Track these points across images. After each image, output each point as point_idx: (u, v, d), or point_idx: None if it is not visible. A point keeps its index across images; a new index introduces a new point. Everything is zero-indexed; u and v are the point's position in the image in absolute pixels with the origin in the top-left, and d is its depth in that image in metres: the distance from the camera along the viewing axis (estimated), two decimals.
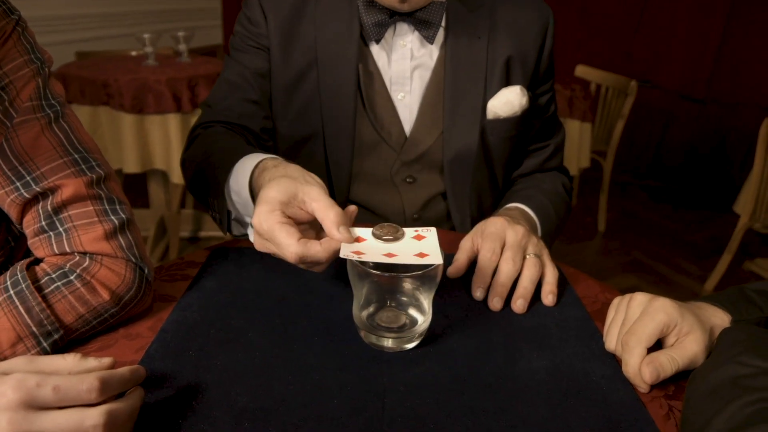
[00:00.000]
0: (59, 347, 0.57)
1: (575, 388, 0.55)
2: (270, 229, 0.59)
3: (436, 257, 0.57)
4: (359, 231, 0.61)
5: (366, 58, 0.92)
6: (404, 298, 0.60)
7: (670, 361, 0.55)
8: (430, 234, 0.62)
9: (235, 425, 0.48)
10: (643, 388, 0.56)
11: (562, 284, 0.75)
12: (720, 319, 0.62)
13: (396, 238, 0.60)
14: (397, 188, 0.98)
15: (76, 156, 0.62)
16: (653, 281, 2.64)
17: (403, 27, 0.91)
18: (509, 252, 0.71)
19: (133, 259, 0.63)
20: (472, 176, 0.97)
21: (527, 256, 0.71)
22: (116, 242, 0.62)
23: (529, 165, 1.06)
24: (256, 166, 0.72)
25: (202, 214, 2.72)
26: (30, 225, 0.62)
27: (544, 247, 0.75)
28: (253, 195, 0.71)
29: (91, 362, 0.47)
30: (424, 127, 0.94)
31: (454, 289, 0.72)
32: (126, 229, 0.64)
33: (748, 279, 2.67)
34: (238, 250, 0.80)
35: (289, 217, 0.60)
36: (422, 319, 0.59)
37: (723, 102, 3.61)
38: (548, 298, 0.70)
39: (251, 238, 0.78)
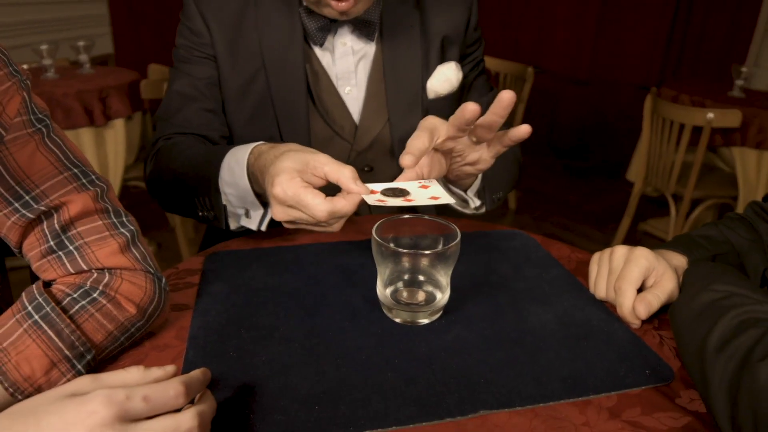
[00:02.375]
0: (92, 368, 0.56)
1: (583, 332, 0.64)
2: (295, 194, 0.64)
3: (446, 198, 0.66)
4: (371, 186, 0.67)
5: (311, 59, 0.96)
6: (425, 276, 0.65)
7: (655, 298, 0.65)
8: (433, 184, 0.69)
9: (306, 410, 0.51)
10: (636, 324, 0.65)
11: (538, 249, 0.84)
12: (679, 260, 0.73)
13: (405, 193, 0.67)
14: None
15: (75, 170, 0.61)
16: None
17: (343, 29, 0.96)
18: None
19: (151, 270, 0.62)
20: None
21: None
22: (132, 255, 0.61)
23: None
24: (251, 153, 0.76)
25: None
26: (34, 247, 0.59)
27: None
28: (252, 182, 0.76)
29: (156, 372, 0.48)
30: (371, 115, 1.00)
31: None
32: (137, 240, 0.63)
33: (643, 239, 3.00)
34: (231, 253, 0.81)
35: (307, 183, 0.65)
36: (443, 293, 0.64)
37: (604, 82, 3.99)
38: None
39: (253, 226, 0.82)
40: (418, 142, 0.68)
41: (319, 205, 0.63)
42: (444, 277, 0.64)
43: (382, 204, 0.64)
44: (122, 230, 0.61)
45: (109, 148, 2.10)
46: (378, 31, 0.98)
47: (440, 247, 0.65)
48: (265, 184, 0.70)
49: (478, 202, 0.92)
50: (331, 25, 0.94)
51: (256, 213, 0.82)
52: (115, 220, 0.62)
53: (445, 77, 1.01)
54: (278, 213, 0.67)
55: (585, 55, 3.95)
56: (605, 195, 3.60)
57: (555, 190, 3.66)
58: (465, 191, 0.91)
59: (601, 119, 4.06)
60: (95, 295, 0.57)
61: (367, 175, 1.03)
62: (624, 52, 3.89)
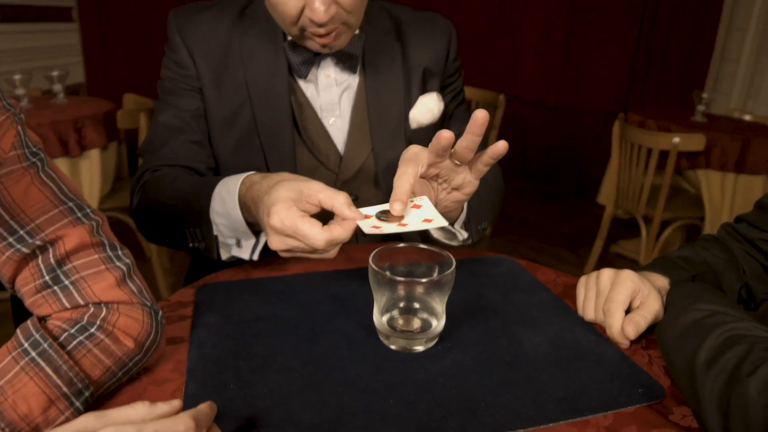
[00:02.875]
0: (89, 405, 0.55)
1: (574, 354, 0.65)
2: (293, 224, 0.65)
3: (439, 219, 0.68)
4: (364, 210, 0.68)
5: (295, 91, 0.99)
6: (420, 303, 0.66)
7: (642, 318, 0.67)
8: (425, 202, 0.70)
9: None
10: (625, 344, 0.67)
11: (524, 273, 0.86)
12: (661, 282, 0.77)
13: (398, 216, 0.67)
14: None
15: (70, 204, 0.61)
16: None
17: (326, 61, 0.98)
18: None
19: (148, 303, 0.62)
20: None
21: None
22: (128, 288, 0.61)
23: None
24: (242, 183, 0.77)
25: None
26: (28, 282, 0.58)
27: None
28: (243, 211, 0.77)
29: (162, 407, 0.47)
30: (355, 145, 1.02)
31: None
32: (133, 273, 0.63)
33: (615, 260, 3.07)
34: (221, 285, 0.81)
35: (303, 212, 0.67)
36: (439, 320, 0.66)
37: (571, 108, 4.13)
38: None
39: (245, 255, 0.83)
40: (403, 182, 0.69)
41: (318, 235, 0.64)
42: (439, 305, 0.65)
43: (377, 231, 0.65)
44: (118, 264, 0.61)
45: (84, 178, 2.07)
46: (361, 63, 1.01)
47: (435, 274, 0.67)
48: (260, 214, 0.70)
49: (465, 234, 0.94)
50: (314, 58, 0.96)
51: (248, 242, 0.83)
52: (110, 253, 0.62)
53: (426, 108, 1.04)
54: (275, 242, 0.68)
55: (553, 82, 4.09)
56: (577, 217, 3.69)
57: (528, 213, 3.73)
58: (452, 225, 0.93)
59: (570, 144, 4.19)
60: (93, 330, 0.57)
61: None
62: (590, 79, 4.04)
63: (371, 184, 1.05)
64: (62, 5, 3.40)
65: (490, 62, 4.12)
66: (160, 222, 0.89)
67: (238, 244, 0.83)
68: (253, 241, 0.82)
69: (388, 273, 0.64)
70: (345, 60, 0.97)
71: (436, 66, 1.06)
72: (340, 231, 0.65)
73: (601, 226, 2.77)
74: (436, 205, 0.83)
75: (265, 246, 0.86)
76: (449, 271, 0.62)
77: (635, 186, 2.50)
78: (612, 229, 2.80)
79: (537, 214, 3.74)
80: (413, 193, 0.76)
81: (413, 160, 0.72)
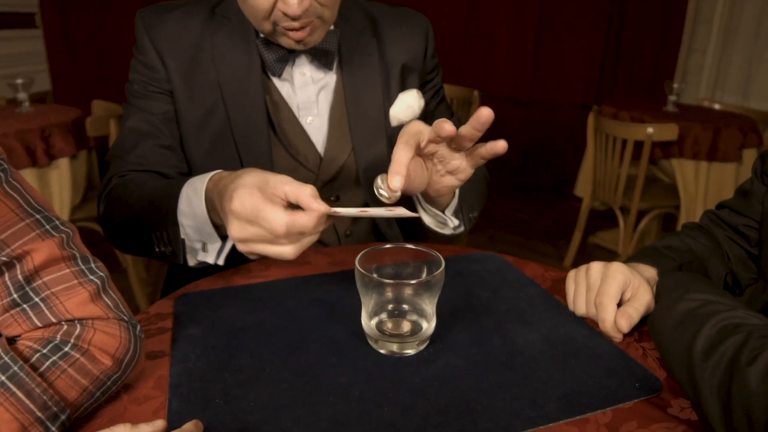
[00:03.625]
0: (66, 429, 0.52)
1: (569, 350, 0.64)
2: (254, 207, 0.62)
3: (404, 212, 0.66)
4: (339, 210, 0.65)
5: (270, 90, 0.96)
6: (410, 305, 0.64)
7: (635, 311, 0.66)
8: (399, 210, 0.68)
9: None
10: (618, 338, 0.67)
11: (512, 270, 0.85)
12: (650, 272, 0.76)
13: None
14: None
15: (38, 216, 0.57)
16: None
17: (301, 59, 0.96)
18: None
19: (125, 318, 0.59)
20: None
21: None
22: (103, 303, 0.58)
23: None
24: (209, 180, 0.74)
25: None
26: None
27: None
28: (209, 211, 0.74)
29: (145, 429, 0.45)
30: (335, 144, 0.99)
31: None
32: (108, 287, 0.60)
33: (594, 251, 3.10)
34: (202, 294, 0.78)
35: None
36: (429, 322, 0.64)
37: (544, 102, 4.16)
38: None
39: (210, 259, 0.80)
40: (402, 154, 0.68)
41: (278, 218, 0.61)
42: (429, 306, 0.63)
43: (336, 214, 0.63)
44: (92, 277, 0.58)
45: (54, 189, 2.00)
46: (337, 61, 0.98)
47: (424, 275, 0.65)
48: (223, 203, 0.67)
49: (456, 222, 0.93)
50: (288, 56, 0.94)
51: (214, 246, 0.80)
52: (83, 266, 0.58)
53: (407, 104, 1.02)
54: (234, 229, 0.64)
55: (525, 77, 4.11)
56: (554, 210, 3.72)
57: (506, 209, 3.75)
58: (443, 212, 0.92)
59: (545, 138, 4.22)
60: (67, 348, 0.53)
61: (334, 204, 1.02)
62: (562, 73, 4.08)
63: (352, 183, 1.03)
64: (25, 11, 3.30)
65: (463, 59, 4.13)
66: (127, 227, 0.86)
67: (204, 248, 0.80)
68: (218, 244, 0.79)
69: (375, 275, 0.62)
70: (320, 57, 0.95)
71: (414, 62, 1.05)
72: (304, 219, 0.61)
73: (579, 218, 2.79)
74: (428, 186, 0.81)
75: (238, 254, 0.83)
76: (438, 271, 0.60)
77: (611, 177, 2.53)
78: (590, 221, 2.82)
79: (515, 209, 3.76)
80: (408, 174, 0.73)
81: (415, 135, 0.70)
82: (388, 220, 1.07)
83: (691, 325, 0.58)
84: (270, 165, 0.95)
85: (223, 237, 0.79)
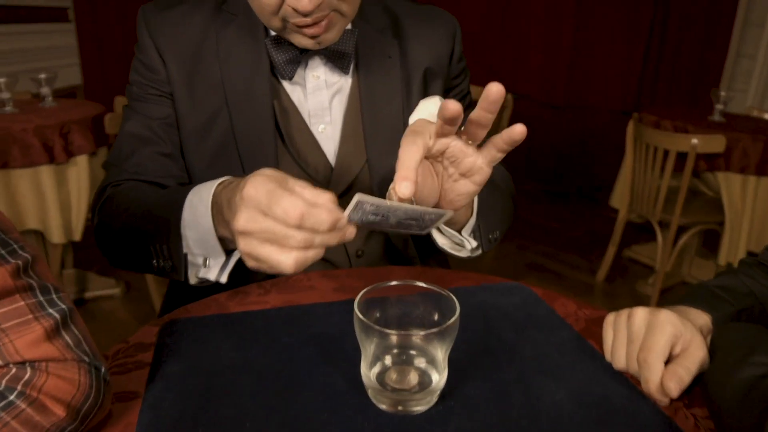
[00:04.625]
0: None
1: (604, 413, 0.54)
2: (269, 191, 0.54)
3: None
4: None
5: (279, 94, 0.87)
6: (417, 351, 0.55)
7: (687, 372, 0.56)
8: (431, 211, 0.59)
9: None
10: (664, 402, 0.56)
11: (541, 306, 0.75)
12: (703, 319, 0.65)
13: None
14: None
15: None
16: (551, 279, 2.81)
17: (315, 60, 0.87)
18: None
19: (86, 359, 0.51)
20: None
21: None
22: (61, 341, 0.50)
23: None
24: (218, 184, 0.67)
25: (85, 272, 2.43)
26: None
27: None
28: (215, 222, 0.67)
29: None
30: (348, 155, 0.91)
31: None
32: (70, 321, 0.52)
33: (629, 265, 2.95)
34: (190, 322, 0.70)
35: None
36: (440, 374, 0.55)
37: (580, 107, 3.99)
38: None
39: (211, 276, 0.72)
40: (410, 156, 0.58)
41: (295, 203, 0.53)
42: (441, 353, 0.54)
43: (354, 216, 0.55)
44: (50, 311, 0.51)
45: (72, 186, 1.97)
46: (354, 63, 0.90)
47: (435, 317, 0.56)
48: (234, 195, 0.60)
49: (474, 243, 0.83)
50: (301, 57, 0.85)
51: (216, 261, 0.72)
52: (41, 298, 0.51)
53: (428, 112, 0.92)
54: (242, 218, 0.55)
55: (560, 80, 3.96)
56: (587, 220, 3.56)
57: (536, 216, 3.61)
58: (459, 232, 0.82)
59: (579, 144, 4.06)
60: (12, 397, 0.46)
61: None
62: (599, 77, 3.91)
63: None
64: (58, 5, 3.31)
65: (496, 60, 4.00)
66: (122, 239, 0.79)
67: (206, 263, 0.72)
68: (222, 259, 0.72)
69: (378, 315, 0.53)
70: (336, 59, 0.86)
71: (438, 66, 0.95)
72: (322, 212, 0.53)
73: (614, 230, 2.65)
74: (440, 197, 0.70)
75: (240, 272, 0.75)
76: (452, 319, 0.51)
77: (650, 189, 2.38)
78: (625, 233, 2.68)
79: (546, 217, 3.61)
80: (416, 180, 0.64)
81: (421, 132, 0.61)
82: (403, 239, 0.97)
83: (759, 400, 0.47)
84: None
85: (228, 251, 0.71)
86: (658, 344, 0.57)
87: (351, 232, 0.56)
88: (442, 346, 0.53)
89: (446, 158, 0.65)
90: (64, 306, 0.52)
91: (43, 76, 2.09)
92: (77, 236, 2.03)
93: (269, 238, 0.55)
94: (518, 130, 0.59)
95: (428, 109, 0.92)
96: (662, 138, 2.25)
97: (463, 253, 0.85)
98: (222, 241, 0.69)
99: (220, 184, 0.68)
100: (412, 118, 0.92)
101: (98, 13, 3.44)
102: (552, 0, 3.77)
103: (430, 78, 0.94)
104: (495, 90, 0.57)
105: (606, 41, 3.83)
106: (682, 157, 2.22)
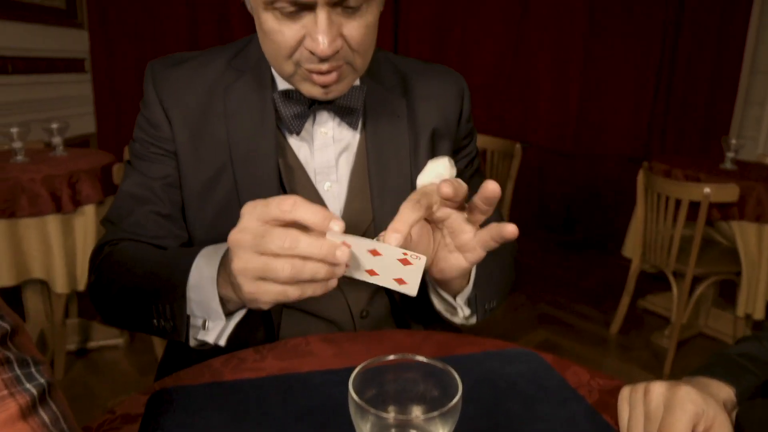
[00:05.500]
0: None
1: None
2: (266, 201, 0.56)
3: (412, 288, 0.58)
4: (349, 238, 0.59)
5: (285, 151, 0.86)
6: (418, 431, 0.51)
7: None
8: (418, 262, 0.58)
9: None
10: None
11: (552, 375, 0.70)
12: (726, 393, 0.61)
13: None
14: (338, 286, 0.90)
15: None
16: (564, 331, 2.73)
17: (323, 115, 0.86)
18: None
19: None
20: None
21: None
22: (37, 419, 0.47)
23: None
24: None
25: (89, 322, 2.40)
26: None
27: None
28: (220, 286, 0.67)
29: None
30: (354, 214, 0.88)
31: None
32: (48, 397, 0.49)
33: (643, 316, 2.87)
34: (181, 391, 0.66)
35: None
36: None
37: (590, 155, 3.99)
38: None
39: (210, 338, 0.70)
40: (409, 212, 0.60)
41: (287, 198, 0.56)
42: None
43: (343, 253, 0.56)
44: (27, 386, 0.48)
45: (78, 235, 1.97)
46: (362, 120, 0.88)
47: (436, 393, 0.52)
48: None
49: (468, 311, 0.80)
50: (308, 112, 0.83)
51: (216, 323, 0.70)
52: (19, 372, 0.48)
53: (436, 173, 0.89)
54: (235, 234, 0.57)
55: (570, 128, 3.97)
56: (599, 270, 3.50)
57: (547, 266, 3.55)
58: (454, 297, 0.79)
59: (590, 192, 4.03)
60: None
61: (348, 281, 0.89)
62: (608, 125, 3.92)
63: None
64: (75, 57, 3.41)
65: (504, 109, 4.03)
66: (121, 298, 0.77)
67: (205, 325, 0.70)
68: (221, 323, 0.70)
69: (374, 391, 0.50)
70: (344, 114, 0.85)
71: (446, 127, 0.94)
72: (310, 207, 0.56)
73: (627, 281, 2.58)
74: (431, 263, 0.70)
75: (238, 337, 0.73)
76: (454, 401, 0.47)
77: (663, 239, 2.33)
78: (639, 282, 2.61)
79: (557, 266, 3.56)
80: (410, 237, 0.64)
81: (428, 195, 0.62)
82: (409, 298, 0.94)
83: None
84: None
85: (228, 314, 0.70)
86: (678, 424, 0.53)
87: (332, 282, 0.58)
88: (444, 426, 0.49)
89: (446, 227, 0.66)
90: (42, 380, 0.49)
91: (54, 125, 2.13)
92: (82, 286, 2.01)
93: (263, 261, 0.56)
94: (509, 231, 0.61)
95: (436, 170, 0.90)
96: (674, 187, 2.22)
97: (456, 319, 0.82)
98: (224, 304, 0.68)
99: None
100: (420, 179, 0.90)
101: (114, 64, 3.53)
102: (559, 49, 3.83)
103: (437, 138, 0.93)
104: (491, 188, 0.60)
105: (614, 89, 3.86)
106: (694, 206, 2.18)
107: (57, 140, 2.14)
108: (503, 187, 3.02)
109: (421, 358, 0.53)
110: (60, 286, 1.93)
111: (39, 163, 2.02)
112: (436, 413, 0.47)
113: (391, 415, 0.47)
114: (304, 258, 0.56)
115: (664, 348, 2.49)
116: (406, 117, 0.90)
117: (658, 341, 2.59)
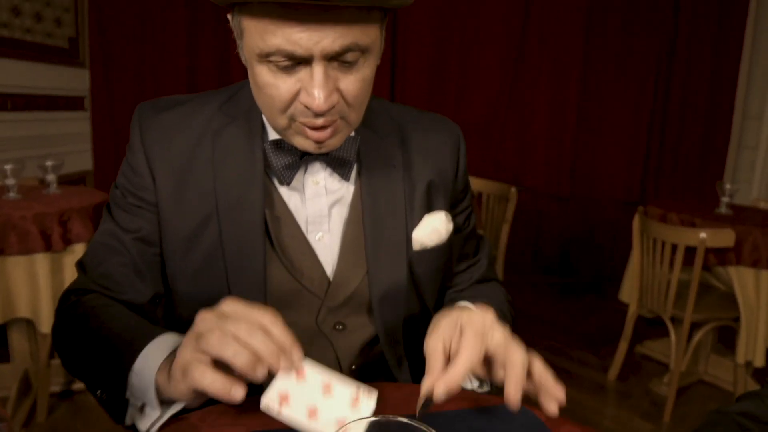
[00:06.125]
0: None
1: None
2: (245, 307, 0.62)
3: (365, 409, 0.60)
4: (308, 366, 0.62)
5: (273, 201, 0.83)
6: None
7: None
8: (368, 404, 0.60)
9: None
10: None
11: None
12: None
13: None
14: (327, 338, 0.87)
15: None
16: (561, 378, 2.66)
17: (314, 166, 0.83)
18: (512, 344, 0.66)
19: None
20: (403, 311, 0.89)
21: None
22: None
23: (464, 282, 1.01)
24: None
25: None
26: None
27: None
28: (160, 371, 0.65)
29: None
30: (347, 267, 0.85)
31: None
32: None
33: (642, 362, 2.81)
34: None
35: None
36: None
37: (585, 198, 4.00)
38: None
39: (142, 426, 0.68)
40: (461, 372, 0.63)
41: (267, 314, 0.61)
42: None
43: (277, 410, 0.58)
44: None
45: (67, 274, 1.94)
46: (356, 171, 0.86)
47: None
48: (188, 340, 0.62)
49: (476, 383, 0.80)
50: (299, 162, 0.81)
51: (151, 412, 0.67)
52: None
53: (432, 228, 0.88)
54: (202, 321, 0.62)
55: (565, 172, 3.99)
56: (597, 314, 3.46)
57: (544, 310, 3.51)
58: None
59: (586, 236, 4.03)
60: None
61: (338, 333, 0.87)
62: (603, 169, 3.95)
63: (364, 311, 0.88)
64: (75, 95, 3.45)
65: (499, 153, 4.06)
66: (75, 355, 0.77)
67: (141, 409, 0.68)
68: (157, 413, 0.67)
69: None
70: (336, 165, 0.82)
71: (442, 180, 0.91)
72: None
73: (625, 326, 2.55)
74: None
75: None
76: None
77: (660, 283, 2.31)
78: (636, 327, 2.57)
79: (554, 310, 3.51)
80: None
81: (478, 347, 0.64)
82: (391, 341, 0.90)
83: None
84: (263, 291, 0.81)
85: (164, 403, 0.67)
86: None
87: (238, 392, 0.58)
88: None
89: None
90: None
91: (49, 163, 2.12)
92: None
93: (228, 336, 0.59)
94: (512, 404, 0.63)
95: (432, 224, 0.88)
96: (670, 232, 2.21)
97: (467, 386, 0.80)
98: (160, 392, 0.66)
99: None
100: (416, 233, 0.88)
101: (114, 102, 3.57)
102: (555, 92, 3.89)
103: (433, 191, 0.90)
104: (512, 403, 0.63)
105: (608, 133, 3.90)
106: (690, 251, 2.17)
107: (51, 177, 2.14)
108: (498, 230, 3.01)
109: (403, 419, 0.50)
110: (46, 326, 1.89)
111: (31, 201, 2.01)
112: None
113: None
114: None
115: (663, 396, 2.43)
116: (402, 168, 0.88)
117: (657, 389, 2.53)
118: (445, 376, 0.61)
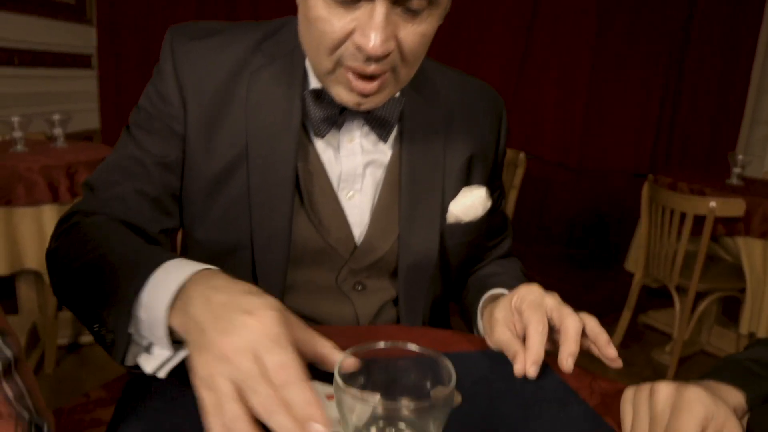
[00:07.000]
0: None
1: None
2: (287, 332, 0.49)
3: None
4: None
5: (307, 154, 0.78)
6: (407, 428, 0.48)
7: None
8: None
9: None
10: None
11: (552, 377, 0.67)
12: (736, 398, 0.58)
13: None
14: (347, 296, 0.84)
15: None
16: None
17: (353, 123, 0.78)
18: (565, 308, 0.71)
19: (26, 415, 0.45)
20: (428, 282, 0.86)
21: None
22: (0, 393, 0.44)
23: (489, 257, 1.01)
24: (198, 273, 0.56)
25: None
26: None
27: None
28: (173, 310, 0.54)
29: None
30: (378, 231, 0.82)
31: None
32: (13, 371, 0.46)
33: (644, 332, 2.82)
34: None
35: None
36: None
37: (594, 169, 3.96)
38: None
39: (148, 368, 0.57)
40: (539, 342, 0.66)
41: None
42: (433, 429, 0.47)
43: None
44: None
45: None
46: (397, 133, 0.82)
47: (428, 385, 0.49)
48: (217, 308, 0.51)
49: None
50: (338, 117, 0.76)
51: (160, 353, 0.57)
52: None
53: (470, 203, 0.85)
54: (201, 361, 0.49)
55: (575, 142, 3.94)
56: (603, 284, 3.46)
57: (549, 280, 3.51)
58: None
59: (593, 206, 4.00)
60: None
61: (357, 293, 0.84)
62: (613, 139, 3.90)
63: (385, 276, 0.85)
64: (82, 52, 3.41)
65: (510, 120, 3.99)
66: (72, 283, 0.66)
67: (149, 349, 0.58)
68: (167, 354, 0.57)
69: (362, 379, 0.46)
70: (375, 125, 0.77)
71: (483, 153, 0.88)
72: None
73: (629, 295, 2.55)
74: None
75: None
76: (448, 390, 0.44)
77: (667, 253, 2.30)
78: (641, 298, 2.57)
79: (559, 280, 3.52)
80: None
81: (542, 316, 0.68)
82: (412, 309, 0.87)
83: None
84: (286, 245, 0.77)
85: (176, 343, 0.57)
86: (686, 427, 0.49)
87: None
88: (435, 420, 0.46)
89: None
90: (8, 353, 0.46)
91: (56, 117, 2.11)
92: None
93: (241, 383, 0.46)
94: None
95: (472, 199, 0.86)
96: (679, 200, 2.19)
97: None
98: (173, 333, 0.56)
99: (197, 274, 0.56)
100: (453, 205, 0.85)
101: (121, 61, 3.53)
102: (566, 63, 3.81)
103: (474, 164, 0.87)
104: (565, 368, 0.65)
105: (620, 104, 3.84)
106: (699, 220, 2.15)
107: (58, 131, 2.13)
108: (507, 196, 2.99)
109: (413, 347, 0.50)
110: None
111: (38, 154, 2.00)
112: (426, 403, 0.43)
113: (378, 401, 0.44)
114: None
115: (665, 365, 2.44)
116: (444, 137, 0.84)
117: (659, 357, 2.54)
118: (528, 354, 0.65)
